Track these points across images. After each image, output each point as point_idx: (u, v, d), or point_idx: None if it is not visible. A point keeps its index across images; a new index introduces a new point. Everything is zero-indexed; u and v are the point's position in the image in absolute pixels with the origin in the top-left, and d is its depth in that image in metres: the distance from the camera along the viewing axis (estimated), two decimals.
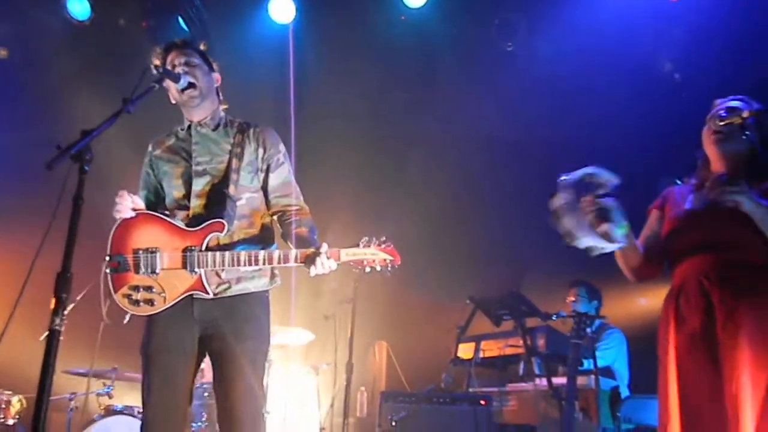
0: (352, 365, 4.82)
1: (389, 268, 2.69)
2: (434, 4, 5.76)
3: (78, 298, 4.34)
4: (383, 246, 2.68)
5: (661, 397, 2.51)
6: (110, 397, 4.73)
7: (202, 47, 3.09)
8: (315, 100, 6.25)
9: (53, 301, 1.98)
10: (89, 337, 4.49)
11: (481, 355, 4.77)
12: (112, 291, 2.72)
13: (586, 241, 2.48)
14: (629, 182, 2.56)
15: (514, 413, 4.69)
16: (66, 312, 1.97)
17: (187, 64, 2.90)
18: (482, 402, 4.17)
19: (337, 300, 5.09)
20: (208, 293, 2.70)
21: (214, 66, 3.03)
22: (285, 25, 6.02)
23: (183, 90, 2.86)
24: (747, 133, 2.44)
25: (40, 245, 2.10)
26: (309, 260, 2.64)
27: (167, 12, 5.89)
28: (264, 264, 2.70)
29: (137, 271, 2.72)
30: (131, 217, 2.76)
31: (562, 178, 2.50)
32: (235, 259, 2.68)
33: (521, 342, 4.55)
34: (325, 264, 2.62)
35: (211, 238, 2.73)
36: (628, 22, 5.57)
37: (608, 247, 2.53)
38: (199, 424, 4.55)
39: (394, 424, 4.15)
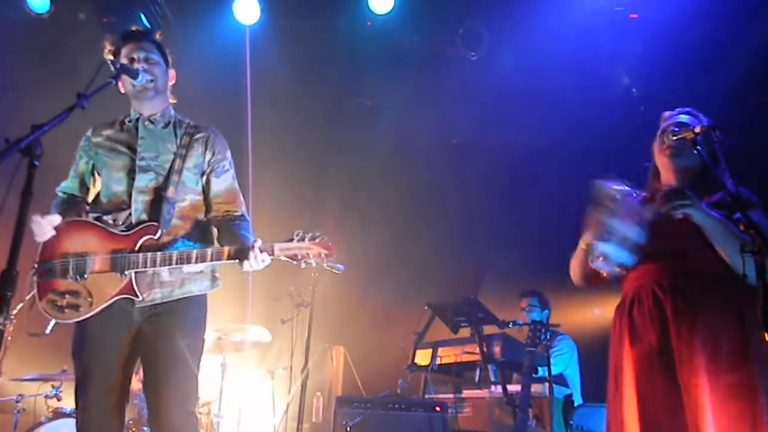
0: (308, 370, 4.78)
1: (326, 263, 2.65)
2: (401, 11, 5.77)
3: (27, 297, 4.21)
4: (318, 240, 2.62)
5: (615, 411, 2.51)
6: (59, 399, 4.62)
7: (158, 37, 2.98)
8: (274, 102, 6.20)
9: None
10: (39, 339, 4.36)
11: (437, 361, 4.78)
12: (38, 299, 2.63)
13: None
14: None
15: (469, 420, 4.73)
16: (13, 311, 1.91)
17: (146, 60, 2.85)
18: (437, 408, 4.18)
19: (295, 304, 5.05)
20: (137, 296, 2.63)
21: (170, 61, 2.98)
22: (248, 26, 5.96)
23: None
24: (698, 148, 2.50)
25: None
26: (242, 254, 2.59)
27: (129, 8, 5.77)
28: (196, 262, 2.63)
29: (64, 277, 2.64)
30: (62, 225, 2.67)
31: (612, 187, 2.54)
32: (167, 258, 2.62)
33: (478, 349, 4.58)
34: (258, 258, 2.57)
35: (145, 240, 2.67)
36: (588, 35, 5.68)
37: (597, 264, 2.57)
38: None
39: (348, 429, 4.13)
